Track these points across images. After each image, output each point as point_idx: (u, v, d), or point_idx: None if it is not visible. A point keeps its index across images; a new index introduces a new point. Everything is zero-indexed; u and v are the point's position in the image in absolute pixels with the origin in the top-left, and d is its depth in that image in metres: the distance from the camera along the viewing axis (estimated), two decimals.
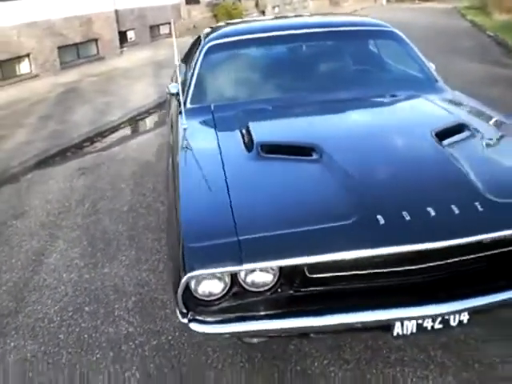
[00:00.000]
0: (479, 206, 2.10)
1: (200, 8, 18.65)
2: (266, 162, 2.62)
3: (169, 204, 2.81)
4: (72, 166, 5.99)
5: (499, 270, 2.23)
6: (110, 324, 3.03)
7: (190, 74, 3.74)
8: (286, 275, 2.12)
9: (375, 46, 4.07)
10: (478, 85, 7.75)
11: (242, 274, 2.08)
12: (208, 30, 4.47)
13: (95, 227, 4.28)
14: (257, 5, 21.65)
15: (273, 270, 2.08)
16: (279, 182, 2.44)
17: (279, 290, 2.14)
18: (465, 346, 2.69)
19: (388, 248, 2.02)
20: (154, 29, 16.64)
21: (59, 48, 11.99)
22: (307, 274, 2.16)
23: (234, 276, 2.09)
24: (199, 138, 3.08)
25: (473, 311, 2.16)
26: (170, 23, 17.41)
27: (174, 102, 3.91)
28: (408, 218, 2.06)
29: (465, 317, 2.15)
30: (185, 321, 2.09)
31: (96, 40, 13.42)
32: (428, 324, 2.14)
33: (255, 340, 2.49)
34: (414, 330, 2.15)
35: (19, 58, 11.03)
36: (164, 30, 17.01)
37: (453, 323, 2.16)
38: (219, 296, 2.10)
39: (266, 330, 2.13)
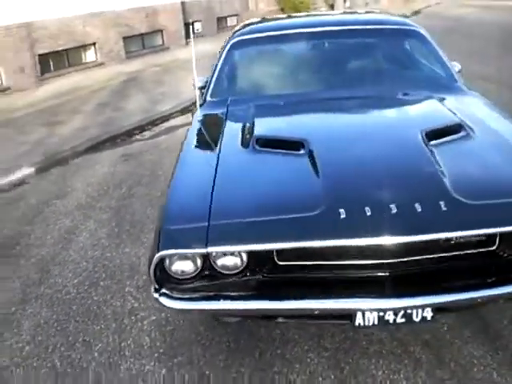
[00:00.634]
0: (443, 206, 2.15)
1: (268, 1, 18.81)
2: (258, 155, 2.76)
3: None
4: (118, 152, 6.36)
5: (464, 269, 2.27)
6: (118, 299, 3.29)
7: (213, 69, 3.93)
8: (254, 260, 2.26)
9: (397, 45, 4.05)
10: None
11: (213, 257, 2.24)
12: (240, 26, 4.62)
13: (126, 210, 4.58)
14: None
15: (240, 254, 2.23)
16: (264, 175, 2.58)
17: (248, 274, 2.28)
18: (448, 345, 2.72)
19: (346, 240, 2.12)
20: (221, 20, 16.95)
21: (124, 38, 12.55)
22: (277, 261, 2.29)
23: (205, 258, 2.25)
24: (207, 129, 3.28)
25: (436, 308, 2.22)
26: (237, 15, 17.73)
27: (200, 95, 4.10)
28: (369, 213, 2.14)
29: (428, 313, 2.21)
30: (156, 295, 2.28)
31: (161, 31, 13.90)
32: (390, 317, 2.22)
33: (230, 319, 2.65)
34: (376, 322, 2.23)
35: (85, 47, 11.66)
36: (231, 21, 17.22)
37: (415, 318, 2.22)
38: (192, 276, 2.27)
39: (231, 309, 2.30)
